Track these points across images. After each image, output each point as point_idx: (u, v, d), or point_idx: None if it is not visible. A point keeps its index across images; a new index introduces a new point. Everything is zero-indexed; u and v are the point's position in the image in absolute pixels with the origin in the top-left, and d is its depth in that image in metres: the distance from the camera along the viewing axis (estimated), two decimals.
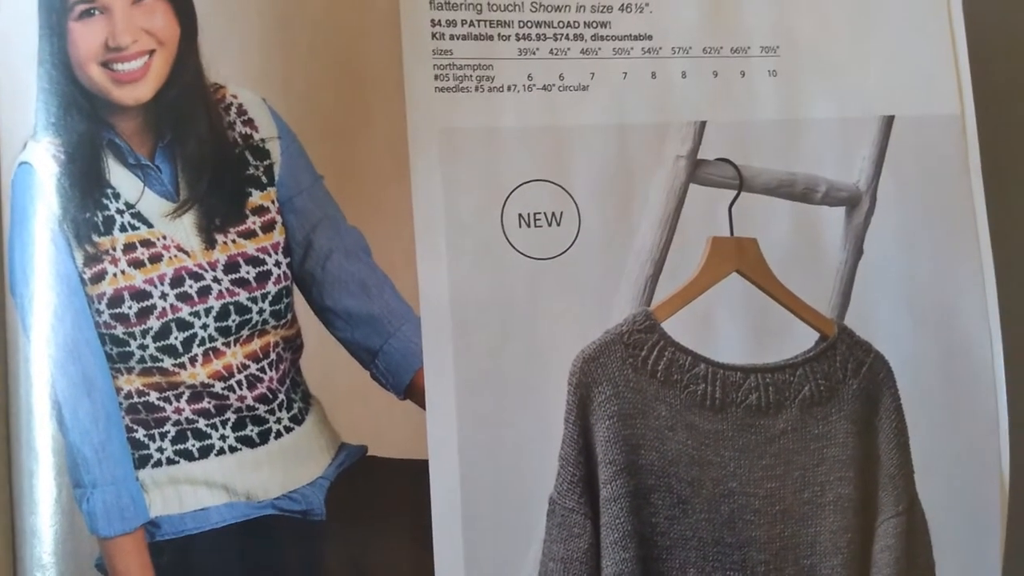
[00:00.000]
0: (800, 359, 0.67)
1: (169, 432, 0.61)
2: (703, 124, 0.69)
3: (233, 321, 0.63)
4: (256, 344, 0.63)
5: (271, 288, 0.63)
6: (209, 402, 0.62)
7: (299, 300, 0.65)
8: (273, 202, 0.64)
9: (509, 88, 0.66)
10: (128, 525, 0.60)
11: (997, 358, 0.71)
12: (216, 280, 0.62)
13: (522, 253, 0.65)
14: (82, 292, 0.60)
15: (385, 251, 0.64)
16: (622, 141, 0.67)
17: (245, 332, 0.63)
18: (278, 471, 0.63)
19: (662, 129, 0.68)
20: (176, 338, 0.61)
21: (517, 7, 0.67)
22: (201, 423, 0.62)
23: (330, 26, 0.64)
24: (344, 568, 0.63)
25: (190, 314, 0.62)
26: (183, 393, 0.62)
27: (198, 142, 0.62)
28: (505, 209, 0.65)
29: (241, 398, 0.63)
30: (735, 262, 0.67)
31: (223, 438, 0.62)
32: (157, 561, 0.61)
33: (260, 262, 0.63)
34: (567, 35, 0.68)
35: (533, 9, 0.67)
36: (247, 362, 0.63)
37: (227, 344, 0.63)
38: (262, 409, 0.63)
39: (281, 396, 0.64)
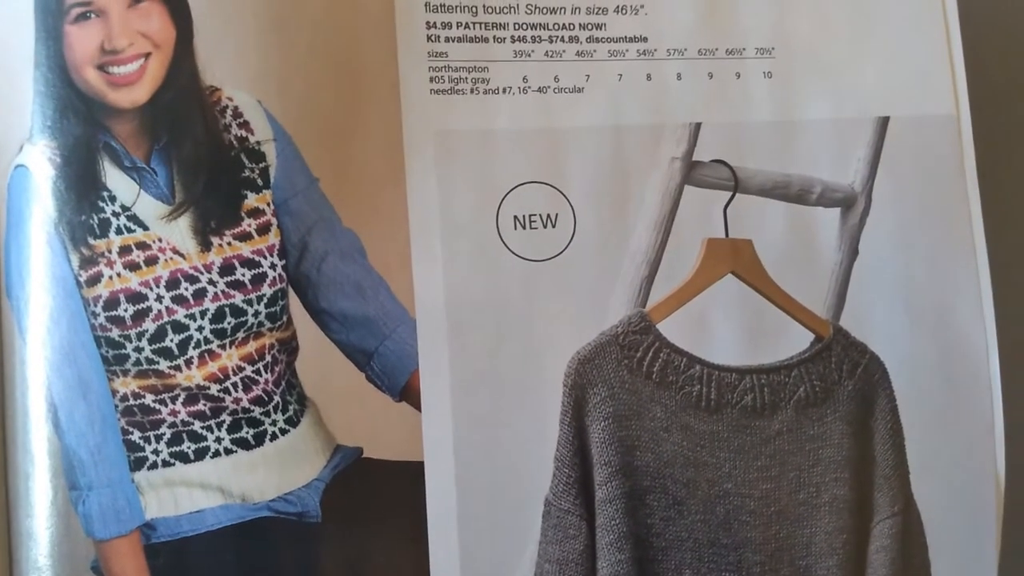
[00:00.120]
0: (795, 360, 0.67)
1: (165, 434, 0.61)
2: (698, 126, 0.69)
3: (229, 323, 0.63)
4: (252, 346, 0.64)
5: (266, 290, 0.64)
6: (205, 404, 0.62)
7: (295, 302, 0.65)
8: (269, 204, 0.64)
9: (504, 90, 0.66)
10: (124, 527, 0.60)
11: (993, 358, 0.71)
12: (212, 282, 0.62)
13: (517, 255, 0.65)
14: (78, 295, 0.60)
15: (381, 253, 0.64)
16: (617, 143, 0.68)
17: (241, 334, 0.63)
18: (274, 473, 0.63)
19: (657, 131, 0.68)
20: (172, 340, 0.62)
21: (512, 9, 0.67)
22: (197, 425, 0.62)
23: (325, 28, 0.64)
24: (340, 570, 0.63)
25: (186, 316, 0.62)
26: (179, 395, 0.62)
27: (194, 145, 0.63)
28: (500, 211, 0.66)
29: (237, 400, 0.63)
30: (730, 263, 0.67)
31: (218, 440, 0.62)
32: (153, 563, 0.61)
33: (256, 264, 0.63)
34: (562, 37, 0.68)
35: (528, 11, 0.67)
36: (243, 364, 0.63)
37: (223, 346, 0.63)
38: (257, 411, 0.63)
39: (276, 398, 0.64)
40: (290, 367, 0.65)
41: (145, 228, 0.62)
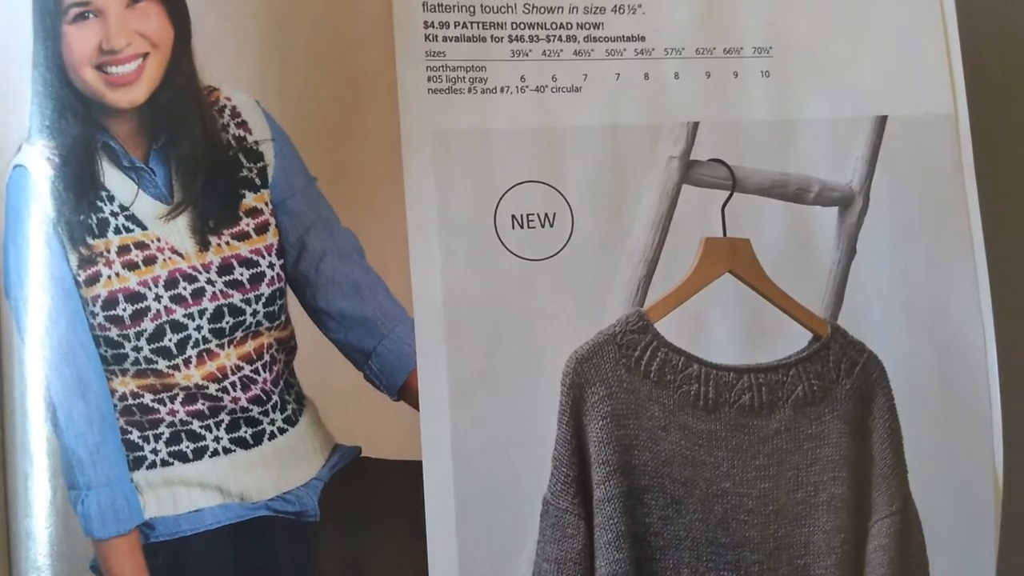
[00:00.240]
0: (793, 359, 0.67)
1: (163, 434, 0.62)
2: (696, 125, 0.69)
3: (227, 323, 0.63)
4: (250, 346, 0.64)
5: (265, 290, 0.64)
6: (203, 403, 0.62)
7: (293, 302, 0.65)
8: (267, 204, 0.64)
9: (502, 89, 0.67)
10: (123, 527, 0.60)
11: (991, 357, 0.71)
12: (210, 282, 0.63)
13: (515, 254, 0.66)
14: (76, 294, 0.60)
15: (378, 252, 0.64)
16: (615, 142, 0.68)
17: (239, 334, 0.63)
18: (272, 472, 0.63)
19: (655, 130, 0.68)
20: (170, 340, 0.62)
21: (510, 9, 0.67)
22: (195, 424, 0.62)
23: (323, 28, 0.64)
24: (338, 569, 0.63)
25: (184, 316, 0.62)
26: (177, 395, 0.62)
27: (192, 144, 0.63)
28: (498, 210, 0.66)
29: (235, 399, 0.63)
30: (728, 263, 0.68)
31: (217, 439, 0.62)
32: (152, 562, 0.61)
33: (254, 264, 0.64)
34: (560, 36, 0.68)
35: (526, 11, 0.67)
36: (241, 364, 0.63)
37: (221, 346, 0.63)
38: (256, 410, 0.63)
39: (275, 397, 0.64)
40: (288, 366, 0.65)
41: (143, 228, 0.62)
